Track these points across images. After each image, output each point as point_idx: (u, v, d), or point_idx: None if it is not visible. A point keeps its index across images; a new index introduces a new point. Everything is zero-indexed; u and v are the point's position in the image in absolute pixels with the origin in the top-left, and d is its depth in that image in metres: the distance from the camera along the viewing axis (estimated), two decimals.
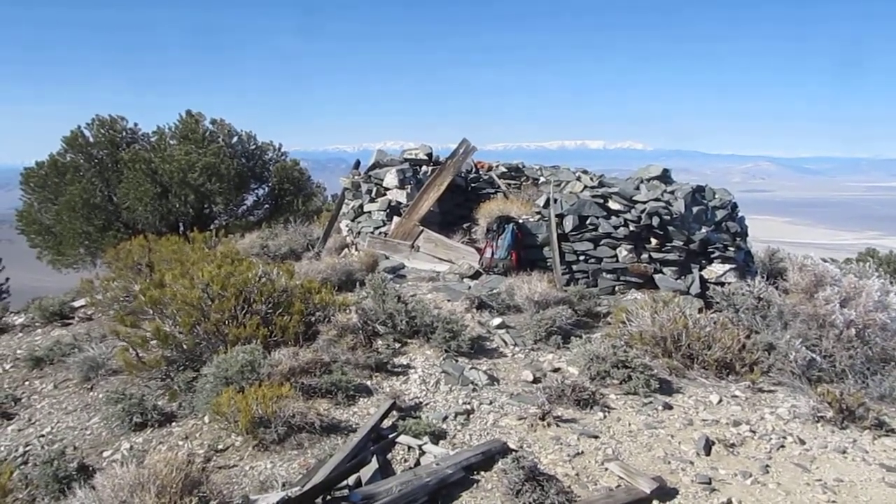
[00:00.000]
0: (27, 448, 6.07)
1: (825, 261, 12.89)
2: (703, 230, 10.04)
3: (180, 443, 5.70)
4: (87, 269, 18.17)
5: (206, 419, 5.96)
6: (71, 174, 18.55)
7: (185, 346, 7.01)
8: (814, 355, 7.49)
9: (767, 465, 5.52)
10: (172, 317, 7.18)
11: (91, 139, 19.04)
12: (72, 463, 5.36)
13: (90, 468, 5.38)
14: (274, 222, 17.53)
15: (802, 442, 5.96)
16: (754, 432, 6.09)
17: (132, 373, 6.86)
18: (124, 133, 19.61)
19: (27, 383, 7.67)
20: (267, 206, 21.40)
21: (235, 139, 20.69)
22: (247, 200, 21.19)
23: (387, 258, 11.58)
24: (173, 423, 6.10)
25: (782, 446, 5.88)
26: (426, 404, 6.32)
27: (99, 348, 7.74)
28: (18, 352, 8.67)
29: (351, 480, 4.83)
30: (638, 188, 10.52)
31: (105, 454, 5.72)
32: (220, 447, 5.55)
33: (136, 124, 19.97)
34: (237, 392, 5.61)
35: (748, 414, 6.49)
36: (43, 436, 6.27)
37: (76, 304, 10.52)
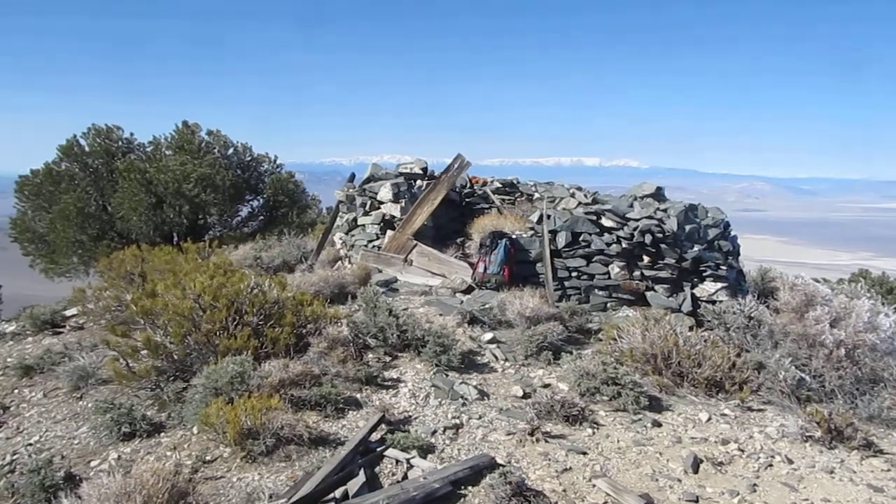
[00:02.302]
0: (14, 457, 6.03)
1: (817, 281, 12.94)
2: (696, 248, 10.06)
3: (168, 453, 5.68)
4: (80, 279, 18.15)
5: (195, 430, 5.95)
6: (66, 183, 18.58)
7: (175, 357, 7.00)
8: (803, 375, 7.52)
9: (755, 484, 5.52)
10: (164, 327, 7.18)
11: (87, 148, 19.08)
12: (59, 472, 5.34)
13: (77, 477, 5.36)
14: (268, 234, 17.55)
15: (790, 461, 5.97)
16: (743, 451, 6.10)
17: (122, 383, 6.83)
18: (120, 143, 19.66)
19: (16, 391, 7.63)
20: (261, 217, 21.43)
21: (231, 150, 20.75)
22: (241, 212, 21.23)
23: (380, 272, 11.59)
24: (162, 434, 6.07)
25: (770, 465, 5.89)
26: (415, 418, 6.32)
27: (89, 357, 7.71)
28: (8, 360, 8.63)
29: (338, 493, 4.83)
30: (631, 206, 10.55)
31: (93, 464, 5.69)
32: (208, 458, 5.53)
33: (131, 134, 20.04)
34: (226, 403, 5.61)
35: (737, 432, 6.50)
36: (31, 444, 6.24)
37: (68, 313, 10.50)
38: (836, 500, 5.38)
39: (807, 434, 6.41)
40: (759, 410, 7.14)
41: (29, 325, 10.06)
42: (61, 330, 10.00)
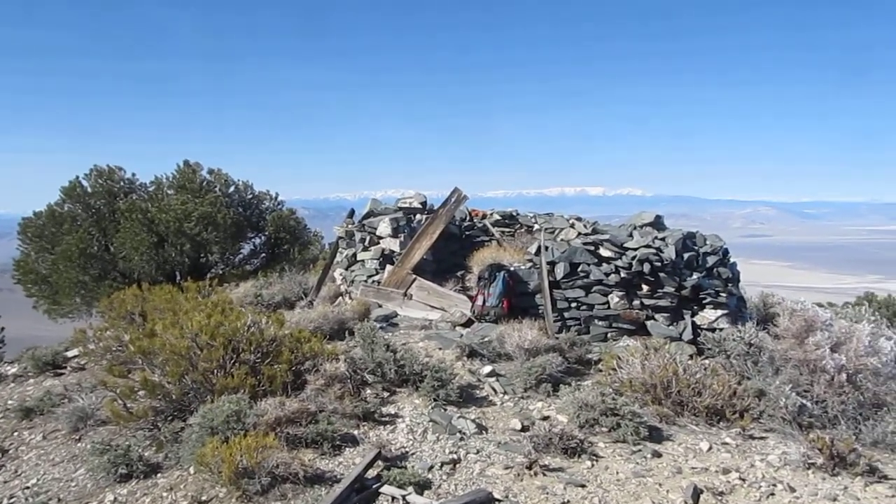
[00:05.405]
0: (11, 501, 6.03)
1: (821, 305, 12.88)
2: (695, 276, 10.06)
3: (164, 494, 5.65)
4: (83, 319, 18.15)
5: (192, 470, 5.92)
6: (68, 224, 18.64)
7: (173, 396, 6.99)
8: (805, 401, 7.47)
9: None
10: (161, 367, 7.18)
11: (89, 189, 19.18)
12: None
13: None
14: (270, 271, 17.54)
15: (793, 489, 5.90)
16: (744, 480, 6.04)
17: (120, 423, 6.84)
18: (122, 183, 19.73)
19: (16, 434, 7.64)
20: (263, 255, 21.42)
21: (232, 188, 20.82)
22: (243, 249, 21.21)
23: (380, 306, 11.57)
24: (158, 475, 6.05)
25: (772, 494, 5.82)
26: (413, 454, 6.28)
27: (89, 398, 7.71)
28: (9, 402, 8.65)
29: None
30: (630, 235, 10.57)
31: None
32: (203, 499, 5.51)
33: (133, 174, 20.12)
34: (222, 442, 5.59)
35: (738, 461, 6.45)
36: (28, 488, 6.23)
37: (69, 353, 10.51)
38: None
39: (809, 461, 6.34)
40: (761, 438, 7.09)
41: (31, 366, 10.07)
42: (63, 371, 10.01)
